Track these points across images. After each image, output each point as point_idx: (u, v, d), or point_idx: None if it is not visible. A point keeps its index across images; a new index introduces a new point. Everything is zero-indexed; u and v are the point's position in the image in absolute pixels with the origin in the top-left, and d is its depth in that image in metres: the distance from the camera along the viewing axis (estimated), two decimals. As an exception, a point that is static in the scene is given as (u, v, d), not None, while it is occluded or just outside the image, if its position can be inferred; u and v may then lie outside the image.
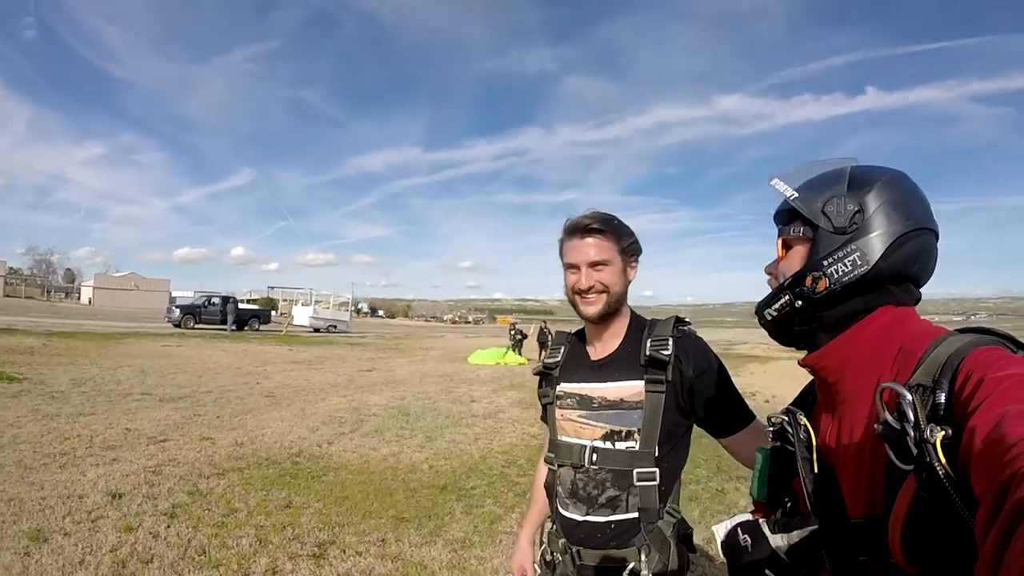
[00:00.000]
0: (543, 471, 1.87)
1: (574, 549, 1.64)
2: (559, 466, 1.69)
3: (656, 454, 1.56)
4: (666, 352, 1.57)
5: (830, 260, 1.02)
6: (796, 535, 1.03)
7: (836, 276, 1.01)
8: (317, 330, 37.76)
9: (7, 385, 9.54)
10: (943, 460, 0.75)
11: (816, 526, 1.01)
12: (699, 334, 1.68)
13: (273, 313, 42.33)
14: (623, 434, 1.59)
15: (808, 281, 1.04)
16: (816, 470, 1.05)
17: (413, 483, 5.78)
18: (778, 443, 1.17)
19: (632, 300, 1.72)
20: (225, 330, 30.63)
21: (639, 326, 1.70)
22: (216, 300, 33.56)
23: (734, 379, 1.69)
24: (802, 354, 1.13)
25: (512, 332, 24.47)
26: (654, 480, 1.56)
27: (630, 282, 1.69)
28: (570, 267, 1.66)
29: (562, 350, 1.81)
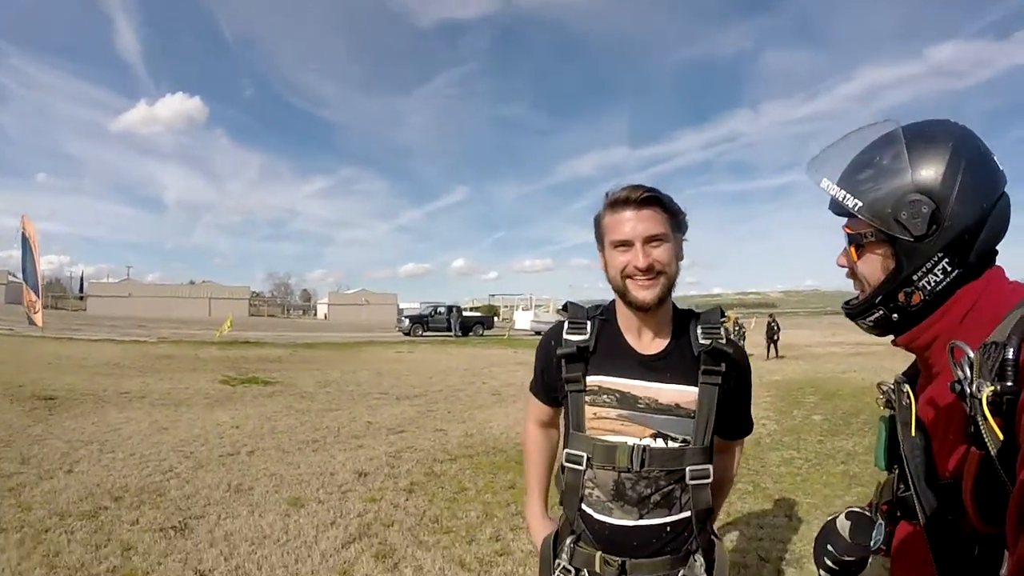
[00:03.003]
0: (535, 439, 1.81)
1: (619, 561, 1.49)
2: (596, 468, 1.51)
3: (709, 449, 1.50)
4: (722, 342, 1.48)
5: (920, 274, 1.02)
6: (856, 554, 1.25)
7: (930, 287, 1.02)
8: (538, 333, 38.99)
9: (263, 387, 11.39)
10: (988, 415, 0.79)
11: (870, 555, 1.22)
12: None
13: (495, 319, 44.89)
14: (677, 438, 1.48)
15: (901, 297, 1.05)
16: (913, 435, 1.07)
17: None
18: (893, 411, 1.21)
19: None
20: (451, 336, 33.19)
21: (682, 315, 1.57)
22: (442, 309, 37.29)
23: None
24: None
25: (736, 328, 23.61)
26: (708, 478, 1.49)
27: (680, 262, 1.52)
28: (620, 244, 1.45)
29: (588, 328, 1.56)
